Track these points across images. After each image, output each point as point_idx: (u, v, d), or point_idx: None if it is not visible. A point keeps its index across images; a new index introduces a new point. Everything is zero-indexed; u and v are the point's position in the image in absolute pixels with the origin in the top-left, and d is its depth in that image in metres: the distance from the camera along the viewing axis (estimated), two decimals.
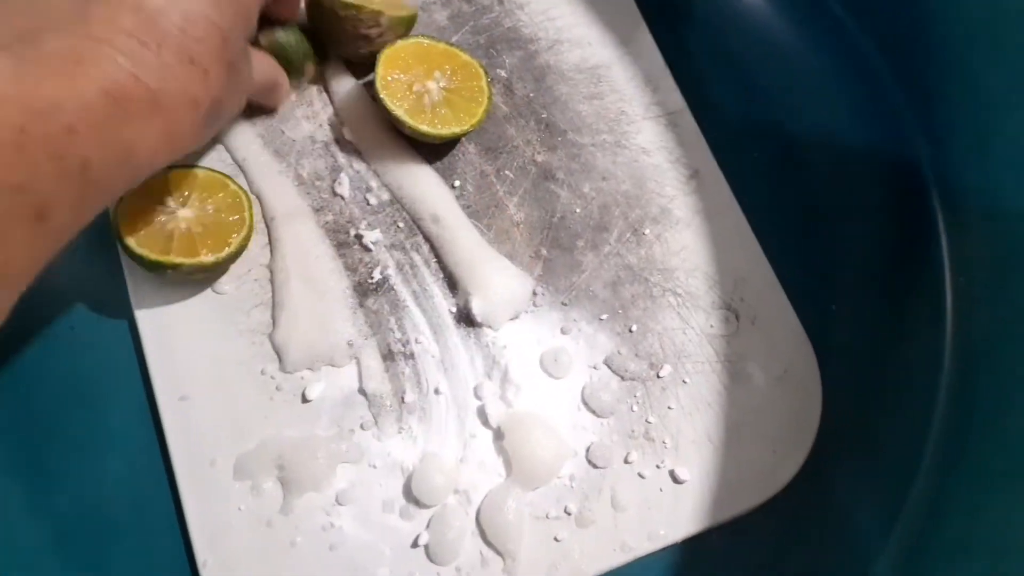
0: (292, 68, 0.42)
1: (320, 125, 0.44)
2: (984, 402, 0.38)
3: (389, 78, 0.40)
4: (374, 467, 0.37)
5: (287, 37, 0.41)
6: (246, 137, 0.42)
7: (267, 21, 0.40)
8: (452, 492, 0.36)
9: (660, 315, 0.40)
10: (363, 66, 0.44)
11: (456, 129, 0.41)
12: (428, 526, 0.36)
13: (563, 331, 0.40)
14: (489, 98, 0.42)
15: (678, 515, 0.36)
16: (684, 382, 0.39)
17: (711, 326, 0.40)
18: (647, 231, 0.42)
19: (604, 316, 0.40)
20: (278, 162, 0.43)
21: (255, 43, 0.40)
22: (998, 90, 0.40)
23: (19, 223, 0.24)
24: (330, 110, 0.44)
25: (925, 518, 0.38)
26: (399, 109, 0.40)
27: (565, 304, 0.41)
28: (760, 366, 0.39)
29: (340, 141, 0.44)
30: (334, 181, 0.43)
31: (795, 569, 0.39)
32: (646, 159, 0.44)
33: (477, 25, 0.47)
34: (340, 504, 0.36)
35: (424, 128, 0.40)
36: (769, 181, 0.45)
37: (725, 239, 0.42)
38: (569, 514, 0.36)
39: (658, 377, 0.39)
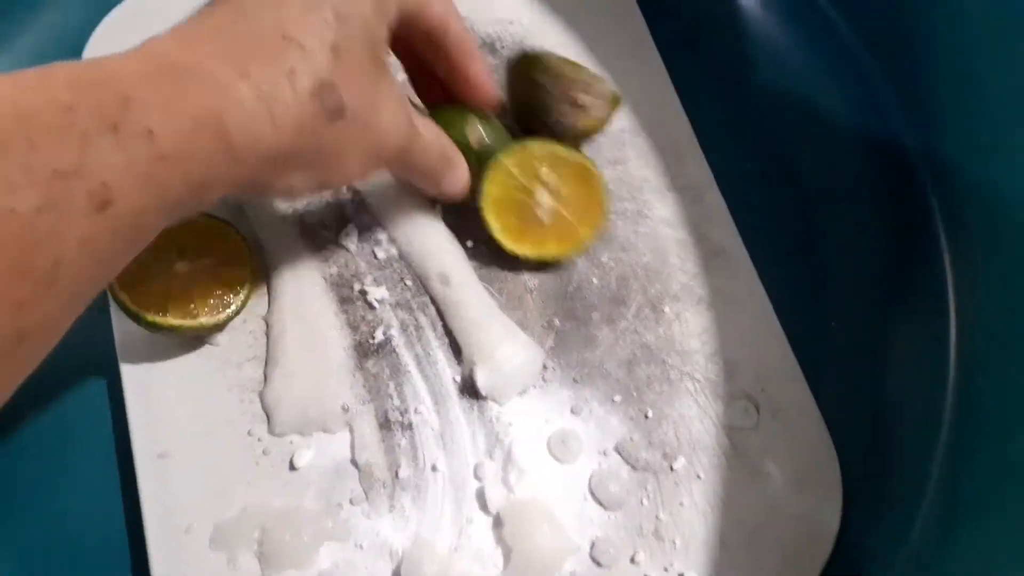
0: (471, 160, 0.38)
1: None
2: (988, 426, 0.36)
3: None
4: (361, 548, 0.34)
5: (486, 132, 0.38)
6: None
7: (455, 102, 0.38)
8: None
9: (677, 401, 0.38)
10: None
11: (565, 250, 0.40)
12: None
13: (573, 411, 0.38)
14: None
15: None
16: (699, 477, 0.36)
17: (730, 417, 0.38)
18: (667, 308, 0.40)
19: (617, 398, 0.38)
20: (283, 209, 0.41)
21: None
22: (992, 88, 0.38)
23: (72, 215, 0.20)
24: None
25: (933, 543, 0.35)
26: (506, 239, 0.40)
27: (576, 381, 0.38)
28: (779, 465, 0.37)
29: (350, 189, 0.41)
30: (341, 231, 0.41)
31: None
32: (668, 232, 0.42)
33: (496, 80, 0.45)
34: None
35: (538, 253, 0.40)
36: (781, 246, 0.43)
37: (748, 325, 0.40)
38: None
39: (671, 469, 0.36)
